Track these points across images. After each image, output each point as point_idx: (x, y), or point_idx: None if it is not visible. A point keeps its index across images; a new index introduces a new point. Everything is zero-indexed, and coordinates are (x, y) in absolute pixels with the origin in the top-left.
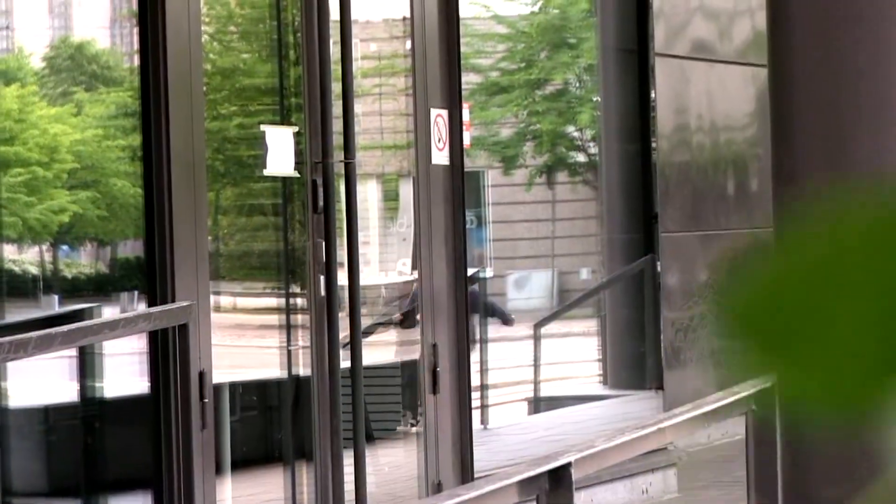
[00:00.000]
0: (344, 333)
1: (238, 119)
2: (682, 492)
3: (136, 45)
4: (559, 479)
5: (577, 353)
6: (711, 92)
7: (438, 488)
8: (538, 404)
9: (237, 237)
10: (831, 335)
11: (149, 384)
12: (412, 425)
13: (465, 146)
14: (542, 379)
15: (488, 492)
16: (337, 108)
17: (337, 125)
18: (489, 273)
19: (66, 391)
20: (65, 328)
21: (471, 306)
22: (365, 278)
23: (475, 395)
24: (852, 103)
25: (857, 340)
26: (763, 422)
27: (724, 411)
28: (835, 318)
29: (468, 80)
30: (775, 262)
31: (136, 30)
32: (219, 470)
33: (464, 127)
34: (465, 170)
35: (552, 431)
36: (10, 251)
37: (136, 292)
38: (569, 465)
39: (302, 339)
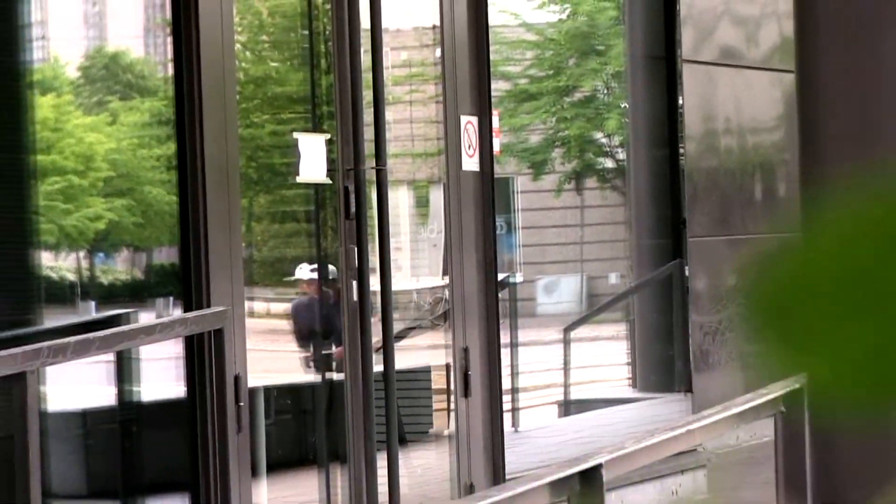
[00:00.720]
0: (376, 338)
1: (271, 127)
2: (711, 493)
3: (169, 55)
4: (590, 480)
5: (606, 357)
6: (739, 97)
7: (470, 490)
8: (568, 407)
9: (270, 243)
10: (860, 330)
11: (185, 388)
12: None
13: (494, 153)
14: (572, 382)
15: (520, 493)
16: (368, 116)
17: (368, 133)
18: (519, 278)
19: (103, 395)
20: (102, 333)
21: None
22: (396, 283)
23: (506, 398)
24: (879, 107)
25: (886, 334)
26: (792, 423)
27: (754, 413)
28: (863, 313)
29: (497, 87)
30: (801, 258)
31: (169, 39)
32: (254, 472)
33: (493, 133)
34: (495, 176)
35: (582, 434)
36: (47, 258)
37: (171, 298)
38: (599, 466)
39: (335, 345)
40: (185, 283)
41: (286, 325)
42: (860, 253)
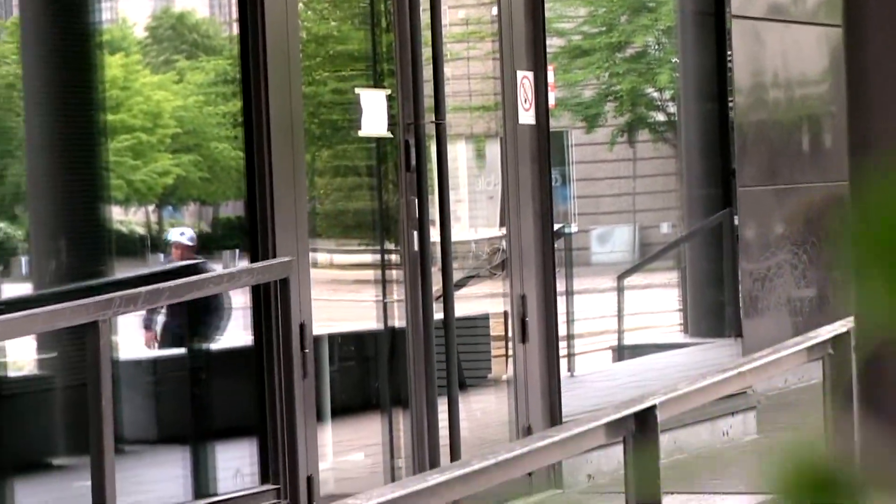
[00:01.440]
0: (437, 287)
1: (332, 84)
2: (761, 433)
3: (234, 15)
4: (645, 421)
5: (658, 304)
6: (786, 52)
7: (528, 432)
8: (622, 352)
9: (333, 197)
10: None
11: (252, 337)
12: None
13: (550, 107)
14: (626, 328)
15: (578, 433)
16: (427, 72)
17: (427, 88)
18: (574, 228)
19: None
20: (172, 283)
21: None
22: (456, 234)
23: (562, 344)
24: None
25: None
26: (839, 365)
27: (802, 355)
28: None
29: (552, 43)
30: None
31: (234, 0)
32: (319, 417)
33: (549, 88)
34: (550, 130)
35: (636, 378)
36: (117, 212)
37: (237, 251)
38: (654, 407)
39: (397, 293)
40: (252, 235)
41: (348, 275)
42: None
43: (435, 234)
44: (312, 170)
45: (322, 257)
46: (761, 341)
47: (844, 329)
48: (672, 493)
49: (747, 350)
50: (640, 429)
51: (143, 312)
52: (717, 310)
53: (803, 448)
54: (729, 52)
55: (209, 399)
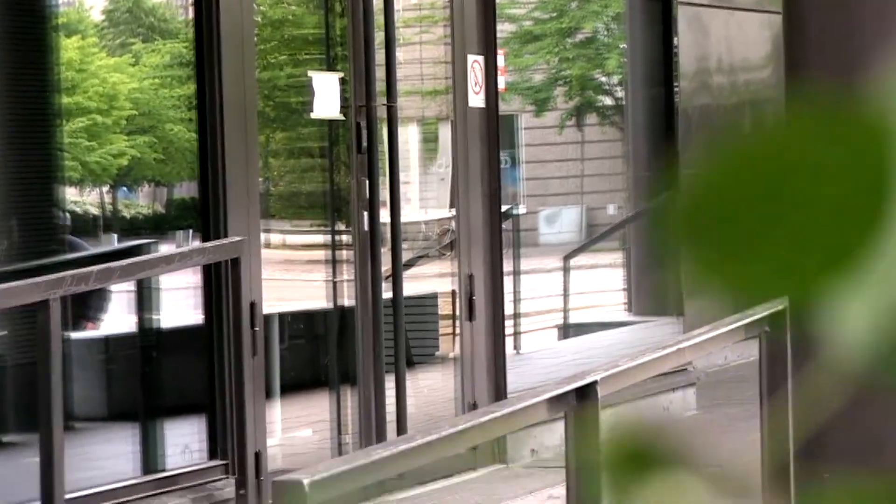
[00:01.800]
0: (386, 267)
1: (288, 68)
2: (700, 409)
3: None
4: (586, 396)
5: (603, 283)
6: (730, 38)
7: (474, 408)
8: (567, 330)
9: (287, 178)
10: (776, 228)
11: (203, 315)
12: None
13: (499, 90)
14: (572, 307)
15: (520, 408)
16: (380, 56)
17: (380, 72)
18: (522, 210)
19: (125, 323)
20: (124, 262)
21: None
22: (406, 215)
23: (508, 322)
24: (862, 47)
25: (801, 233)
26: (775, 342)
27: (739, 333)
28: (780, 210)
29: (503, 28)
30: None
31: None
32: (269, 394)
33: (499, 72)
34: (500, 113)
35: (580, 355)
36: (72, 193)
37: (190, 231)
38: (595, 383)
39: (347, 273)
40: (204, 215)
41: (300, 255)
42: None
43: (385, 215)
44: (267, 151)
45: (275, 238)
46: (702, 320)
47: (781, 307)
48: None
49: (689, 328)
50: (581, 404)
51: None
52: (660, 289)
53: (624, 424)
54: (675, 39)
55: (159, 376)
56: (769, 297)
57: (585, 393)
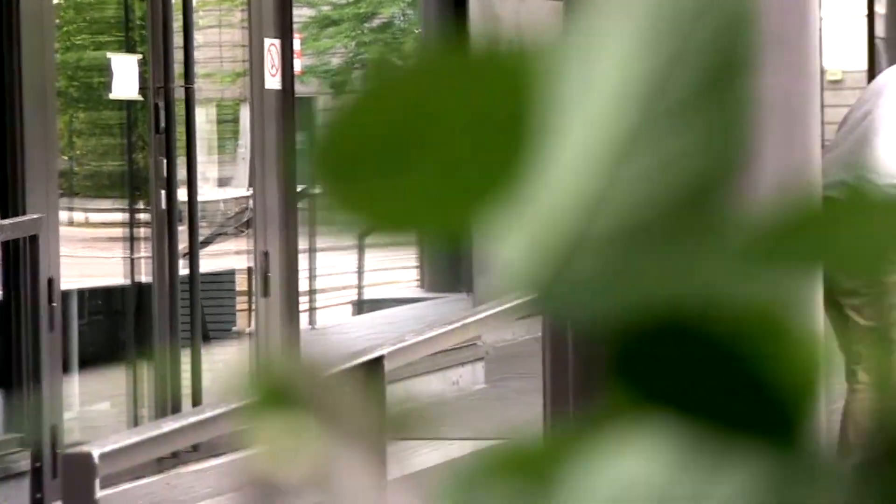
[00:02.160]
0: (184, 244)
1: (90, 50)
2: (488, 383)
3: None
4: (373, 370)
5: (397, 261)
6: (521, 25)
7: None
8: (361, 306)
9: (88, 157)
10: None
11: (0, 291)
12: None
13: (296, 73)
14: (366, 284)
15: None
16: (178, 39)
17: (178, 55)
18: (319, 189)
19: None
20: None
21: None
22: (203, 194)
23: (304, 299)
24: None
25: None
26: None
27: (523, 309)
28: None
29: (302, 13)
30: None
31: None
32: (67, 369)
33: (294, 55)
34: (298, 95)
35: (372, 330)
36: None
37: None
38: (381, 357)
39: (145, 250)
40: (2, 193)
41: (100, 233)
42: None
43: (183, 194)
44: (70, 131)
45: (77, 216)
46: (493, 297)
47: None
48: (399, 440)
49: (478, 304)
50: (368, 378)
51: None
52: (452, 266)
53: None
54: (468, 24)
55: None
56: (415, 231)
57: (372, 367)
